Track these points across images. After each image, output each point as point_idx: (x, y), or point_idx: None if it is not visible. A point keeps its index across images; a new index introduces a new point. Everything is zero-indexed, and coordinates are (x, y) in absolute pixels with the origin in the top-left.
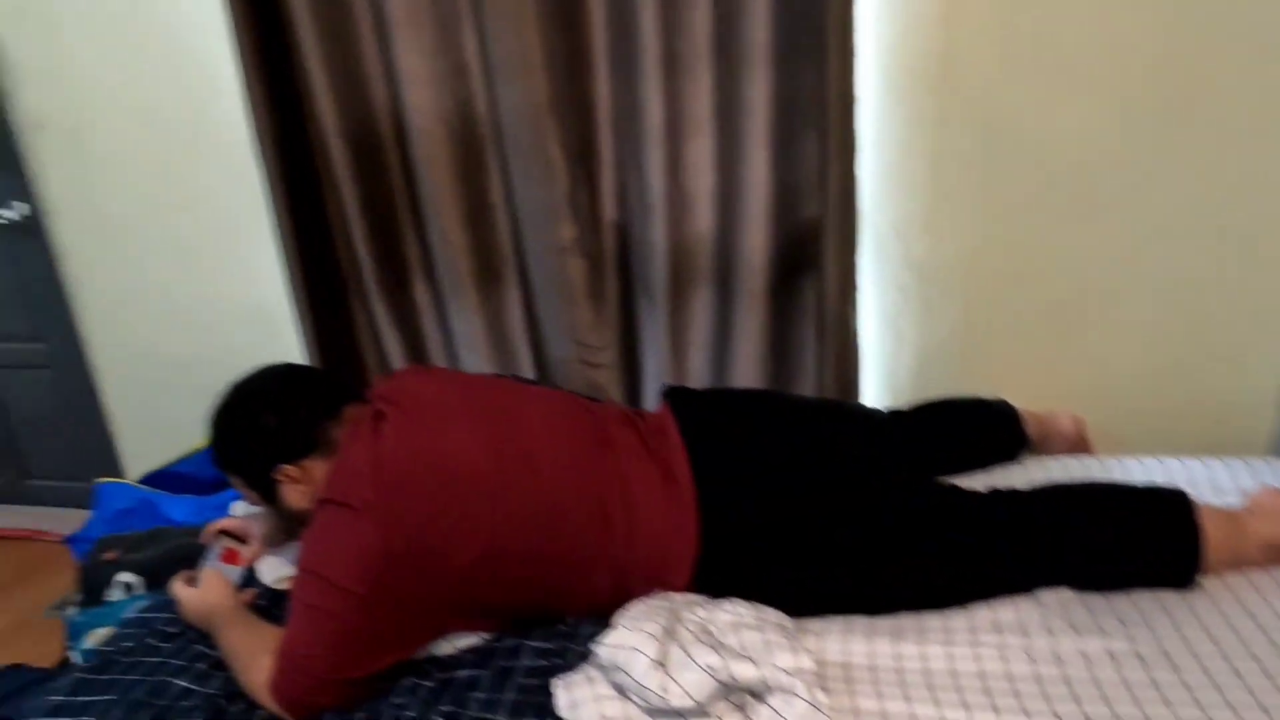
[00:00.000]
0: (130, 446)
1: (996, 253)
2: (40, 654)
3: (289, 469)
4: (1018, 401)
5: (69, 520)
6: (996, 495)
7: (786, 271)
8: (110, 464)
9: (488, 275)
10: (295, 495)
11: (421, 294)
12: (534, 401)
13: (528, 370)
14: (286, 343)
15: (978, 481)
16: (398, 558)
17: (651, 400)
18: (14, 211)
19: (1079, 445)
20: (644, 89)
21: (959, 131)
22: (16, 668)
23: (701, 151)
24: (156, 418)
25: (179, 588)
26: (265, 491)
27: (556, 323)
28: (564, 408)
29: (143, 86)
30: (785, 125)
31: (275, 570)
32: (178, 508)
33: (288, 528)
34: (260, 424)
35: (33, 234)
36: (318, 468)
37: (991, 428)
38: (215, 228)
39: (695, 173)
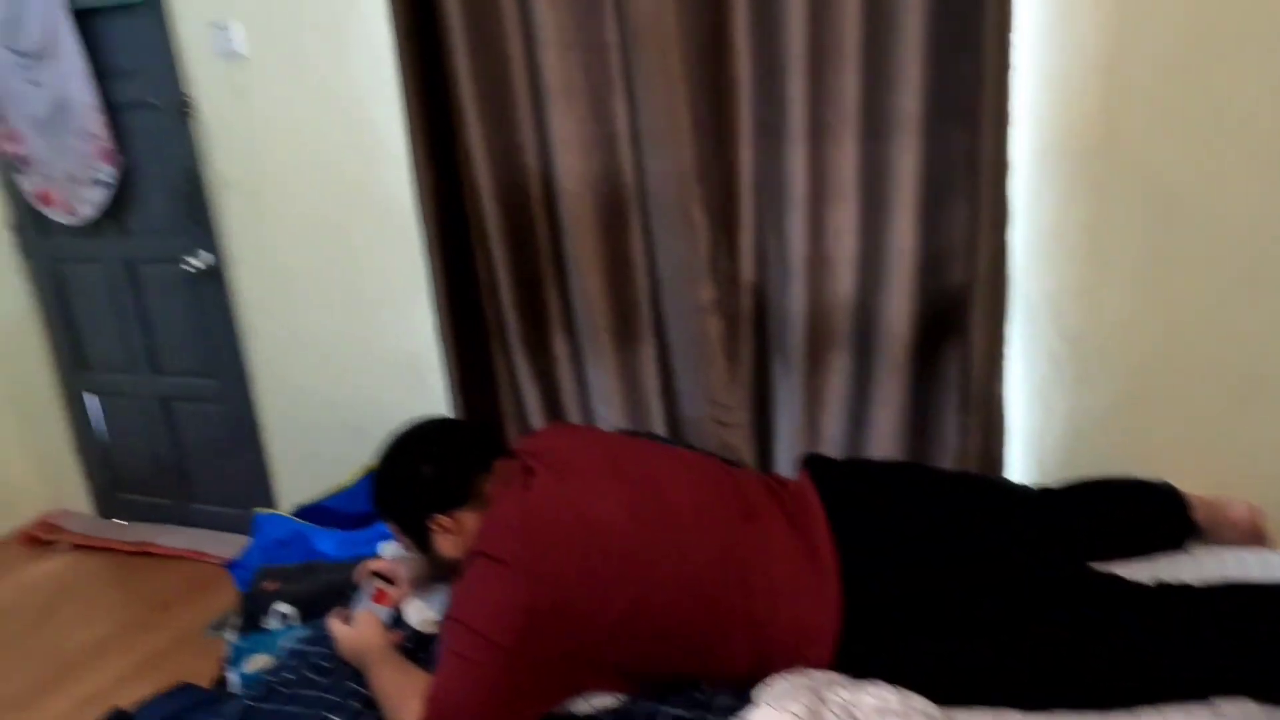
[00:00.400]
0: (284, 479)
1: (1159, 325)
2: (199, 670)
3: (442, 519)
4: (1182, 485)
5: (227, 543)
6: (1164, 588)
7: (930, 338)
8: (266, 494)
9: (625, 332)
10: (447, 544)
11: (560, 348)
12: (678, 465)
13: (660, 427)
14: (432, 389)
15: (1141, 571)
16: (543, 613)
17: (783, 462)
18: (201, 260)
19: (1255, 537)
20: (788, 155)
21: (1120, 199)
22: (185, 688)
23: (845, 216)
24: (309, 453)
25: (335, 625)
26: (419, 538)
27: (691, 381)
28: (707, 473)
29: (319, 150)
30: (933, 191)
31: (421, 613)
32: (326, 541)
33: (437, 573)
34: (418, 474)
35: (215, 281)
36: (469, 519)
37: (1153, 511)
38: (375, 281)
39: (837, 237)
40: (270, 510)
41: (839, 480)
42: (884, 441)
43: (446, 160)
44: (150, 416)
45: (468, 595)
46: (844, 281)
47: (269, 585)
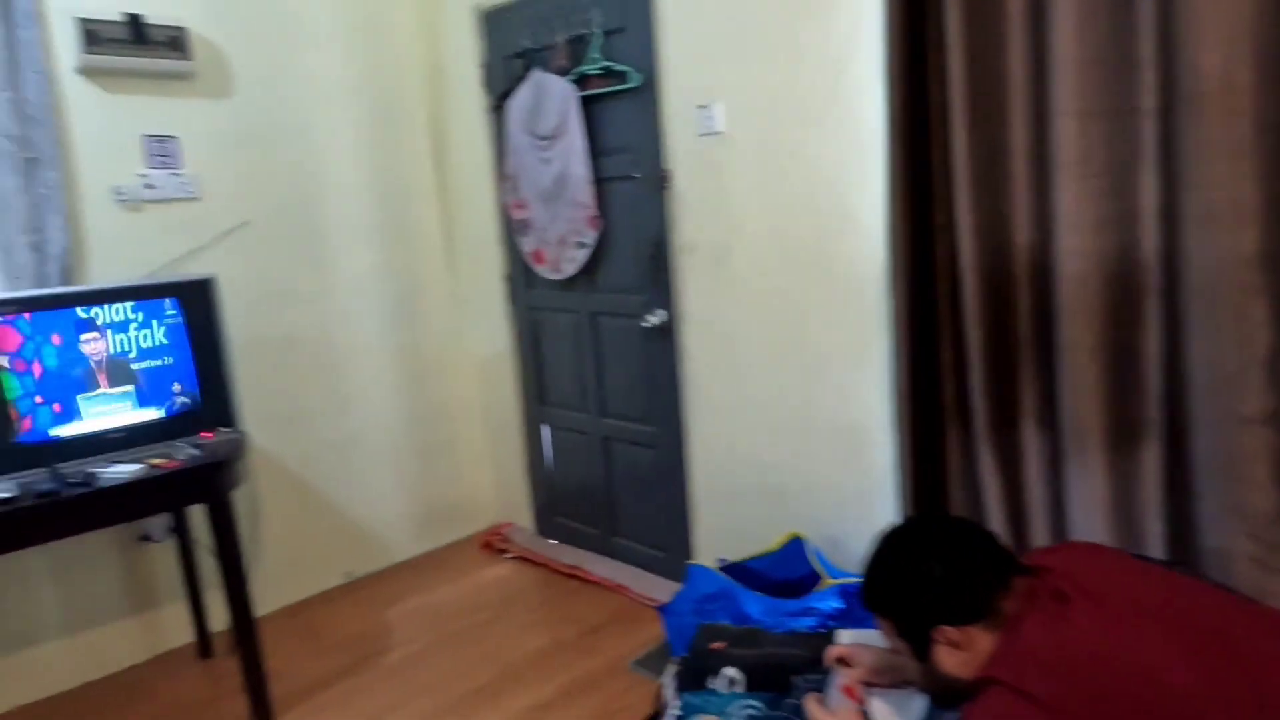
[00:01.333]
0: (704, 530)
1: None
2: (625, 702)
3: (950, 631)
4: None
5: (645, 581)
6: None
7: None
8: (685, 542)
9: (1123, 435)
10: (951, 660)
11: (1032, 441)
12: (1261, 623)
13: (1157, 550)
14: (870, 465)
15: None
16: None
17: None
18: (657, 317)
19: None
20: None
21: None
22: None
23: None
24: (731, 510)
25: (816, 709)
26: (915, 644)
27: (1217, 505)
28: None
29: (782, 220)
30: None
31: (890, 719)
32: (753, 603)
33: (927, 684)
34: (928, 575)
35: (666, 337)
36: (982, 638)
37: None
38: (820, 349)
39: None
40: (699, 563)
41: None
42: None
43: (922, 233)
44: (591, 452)
45: None
46: None
47: (716, 645)
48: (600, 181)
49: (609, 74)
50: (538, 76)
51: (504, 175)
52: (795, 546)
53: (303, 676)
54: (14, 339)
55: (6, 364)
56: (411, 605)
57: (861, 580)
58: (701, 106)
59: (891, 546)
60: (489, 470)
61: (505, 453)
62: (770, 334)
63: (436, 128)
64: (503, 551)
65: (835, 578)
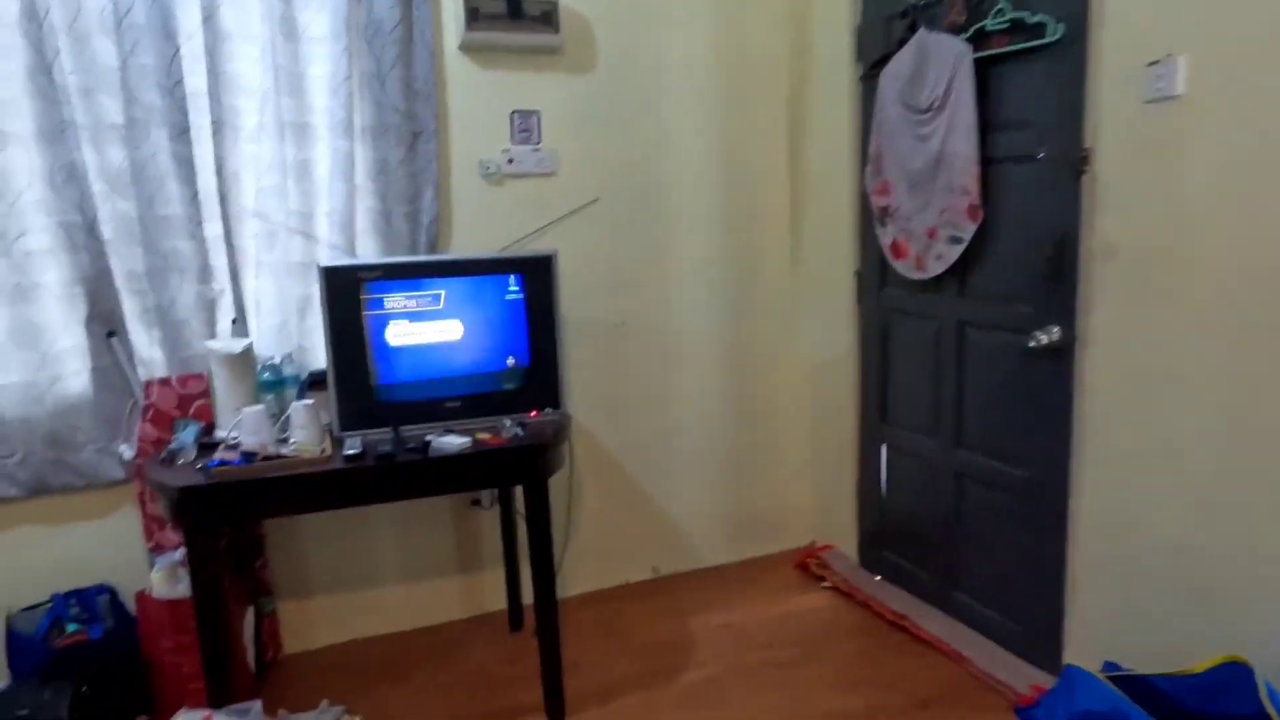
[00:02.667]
0: (1084, 615)
1: None
2: None
3: None
4: None
5: (987, 653)
6: None
7: None
8: (1051, 623)
9: None
10: None
11: None
12: None
13: None
14: None
15: None
16: None
17: None
18: (1049, 336)
19: None
20: None
21: None
22: None
23: None
24: (1130, 600)
25: None
26: None
27: None
28: None
29: (1270, 217)
30: None
31: None
32: None
33: None
34: None
35: (1057, 361)
36: None
37: None
38: None
39: None
40: (1075, 662)
41: None
42: None
43: None
44: (937, 487)
45: None
46: None
47: None
48: (987, 163)
49: (1017, 28)
50: (923, 37)
51: (867, 155)
52: (1235, 675)
53: (599, 675)
54: (378, 306)
55: (370, 334)
56: (716, 620)
57: None
58: (1153, 63)
59: None
60: (811, 485)
61: (832, 469)
62: (1224, 376)
63: (795, 104)
64: (819, 578)
65: None
